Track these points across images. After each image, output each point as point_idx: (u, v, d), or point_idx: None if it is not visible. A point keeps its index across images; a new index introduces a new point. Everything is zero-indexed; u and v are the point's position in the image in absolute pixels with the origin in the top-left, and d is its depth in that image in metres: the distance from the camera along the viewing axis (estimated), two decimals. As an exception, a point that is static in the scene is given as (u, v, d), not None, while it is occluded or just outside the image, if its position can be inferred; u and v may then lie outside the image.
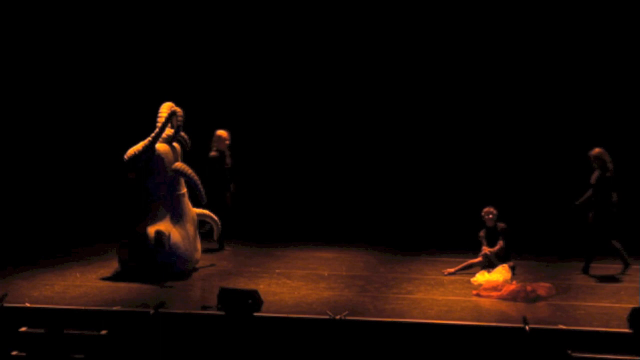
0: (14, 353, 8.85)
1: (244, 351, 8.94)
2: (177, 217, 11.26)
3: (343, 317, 9.10)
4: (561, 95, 14.15)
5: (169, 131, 11.39)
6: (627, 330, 8.62)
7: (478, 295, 10.43)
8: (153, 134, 11.16)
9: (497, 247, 11.22)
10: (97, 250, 12.60)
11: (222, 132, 12.73)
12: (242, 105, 14.77)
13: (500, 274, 10.85)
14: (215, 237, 12.36)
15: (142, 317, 9.24)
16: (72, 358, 8.68)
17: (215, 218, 12.18)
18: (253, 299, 9.02)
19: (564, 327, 9.00)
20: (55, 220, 14.04)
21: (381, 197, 14.60)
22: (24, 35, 14.75)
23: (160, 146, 11.26)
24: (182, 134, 11.66)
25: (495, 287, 10.50)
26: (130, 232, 11.01)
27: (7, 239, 13.08)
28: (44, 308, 9.53)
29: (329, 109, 14.74)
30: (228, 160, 12.76)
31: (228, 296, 9.08)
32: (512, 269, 11.04)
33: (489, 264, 11.17)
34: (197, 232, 11.70)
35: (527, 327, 8.79)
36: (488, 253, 11.23)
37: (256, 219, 14.30)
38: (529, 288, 10.28)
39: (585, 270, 11.45)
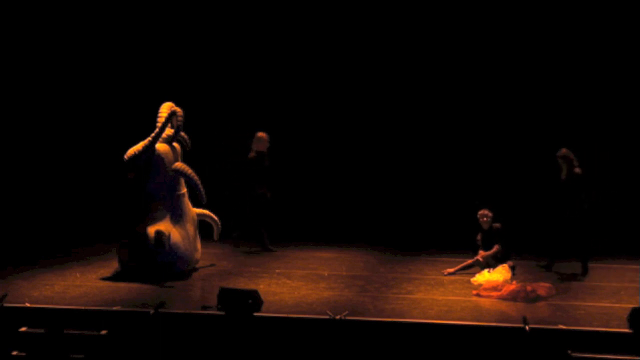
0: (14, 353, 8.85)
1: (244, 351, 8.93)
2: (177, 217, 11.26)
3: (343, 317, 9.09)
4: (561, 95, 14.14)
5: (169, 131, 11.39)
6: (627, 330, 8.61)
7: (478, 295, 10.43)
8: (153, 134, 11.16)
9: (492, 252, 11.23)
10: (97, 250, 12.61)
11: (262, 134, 12.73)
12: (241, 105, 14.76)
13: (500, 274, 10.86)
14: (215, 237, 12.36)
15: (142, 317, 9.23)
16: (72, 358, 8.67)
17: (215, 218, 12.18)
18: (253, 299, 9.01)
19: (564, 327, 9.00)
20: (55, 220, 14.04)
21: (381, 197, 14.59)
22: (24, 35, 14.75)
23: (160, 146, 11.25)
24: (182, 134, 11.67)
25: (495, 287, 10.50)
26: (130, 232, 11.01)
27: (7, 239, 13.08)
28: (44, 308, 9.53)
29: (328, 109, 14.73)
30: (267, 163, 12.75)
31: (228, 296, 9.07)
32: (512, 268, 11.04)
33: (486, 265, 11.18)
34: (197, 232, 11.70)
35: (527, 327, 8.78)
36: (480, 259, 11.27)
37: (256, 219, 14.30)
38: (529, 288, 10.28)
39: (584, 271, 11.51)
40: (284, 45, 14.73)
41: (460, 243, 12.30)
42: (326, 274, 11.51)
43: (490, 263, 11.16)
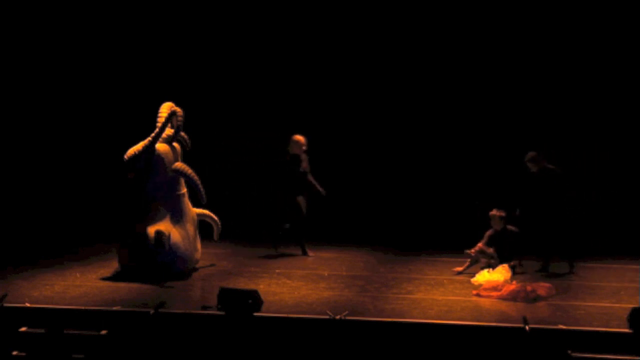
0: (14, 353, 8.84)
1: (244, 351, 8.93)
2: (177, 217, 11.25)
3: (343, 317, 9.09)
4: (561, 95, 14.14)
5: (169, 131, 11.39)
6: (627, 330, 8.61)
7: (478, 295, 10.43)
8: (153, 134, 11.16)
9: (487, 251, 11.25)
10: (97, 250, 12.61)
11: (299, 137, 12.63)
12: (241, 105, 14.77)
13: (500, 274, 10.86)
14: (215, 237, 12.35)
15: (142, 317, 9.23)
16: (72, 358, 8.67)
17: (215, 218, 12.18)
18: (253, 299, 9.01)
19: (564, 327, 9.00)
20: (56, 220, 14.04)
21: (381, 198, 14.58)
22: (24, 35, 14.75)
23: (160, 146, 11.25)
24: (182, 134, 11.66)
25: (495, 287, 10.50)
26: (130, 232, 11.01)
27: (7, 239, 13.08)
28: (44, 308, 9.52)
29: (328, 109, 14.72)
30: (304, 165, 12.63)
31: (228, 296, 9.07)
32: (512, 268, 11.05)
33: (485, 260, 11.21)
34: (197, 232, 11.70)
35: (527, 327, 8.78)
36: (472, 253, 11.28)
37: (256, 219, 14.30)
38: (529, 288, 10.29)
39: (571, 269, 11.56)
40: (284, 45, 14.73)
41: (460, 243, 12.29)
42: (326, 274, 11.51)
43: (487, 258, 11.18)
